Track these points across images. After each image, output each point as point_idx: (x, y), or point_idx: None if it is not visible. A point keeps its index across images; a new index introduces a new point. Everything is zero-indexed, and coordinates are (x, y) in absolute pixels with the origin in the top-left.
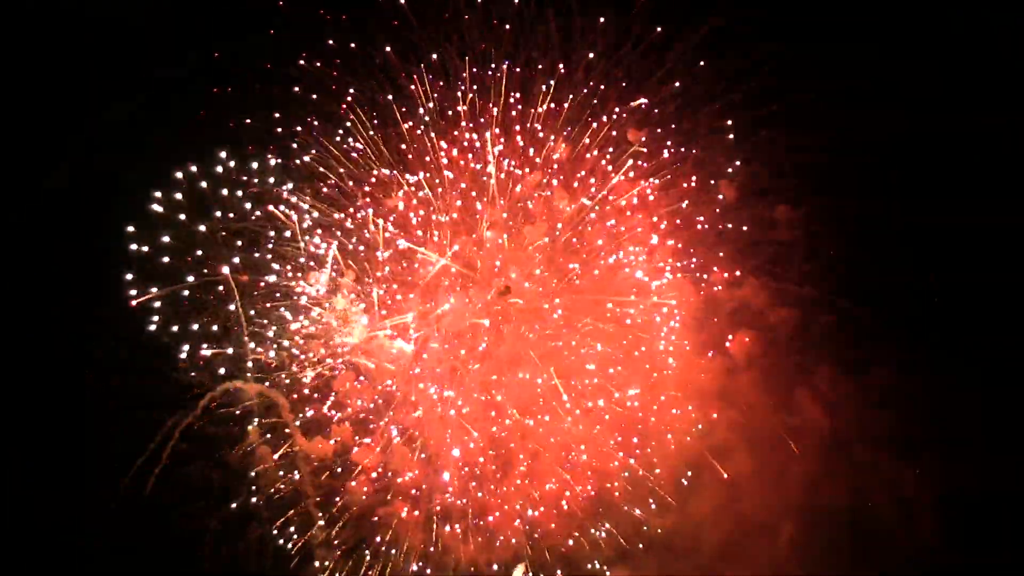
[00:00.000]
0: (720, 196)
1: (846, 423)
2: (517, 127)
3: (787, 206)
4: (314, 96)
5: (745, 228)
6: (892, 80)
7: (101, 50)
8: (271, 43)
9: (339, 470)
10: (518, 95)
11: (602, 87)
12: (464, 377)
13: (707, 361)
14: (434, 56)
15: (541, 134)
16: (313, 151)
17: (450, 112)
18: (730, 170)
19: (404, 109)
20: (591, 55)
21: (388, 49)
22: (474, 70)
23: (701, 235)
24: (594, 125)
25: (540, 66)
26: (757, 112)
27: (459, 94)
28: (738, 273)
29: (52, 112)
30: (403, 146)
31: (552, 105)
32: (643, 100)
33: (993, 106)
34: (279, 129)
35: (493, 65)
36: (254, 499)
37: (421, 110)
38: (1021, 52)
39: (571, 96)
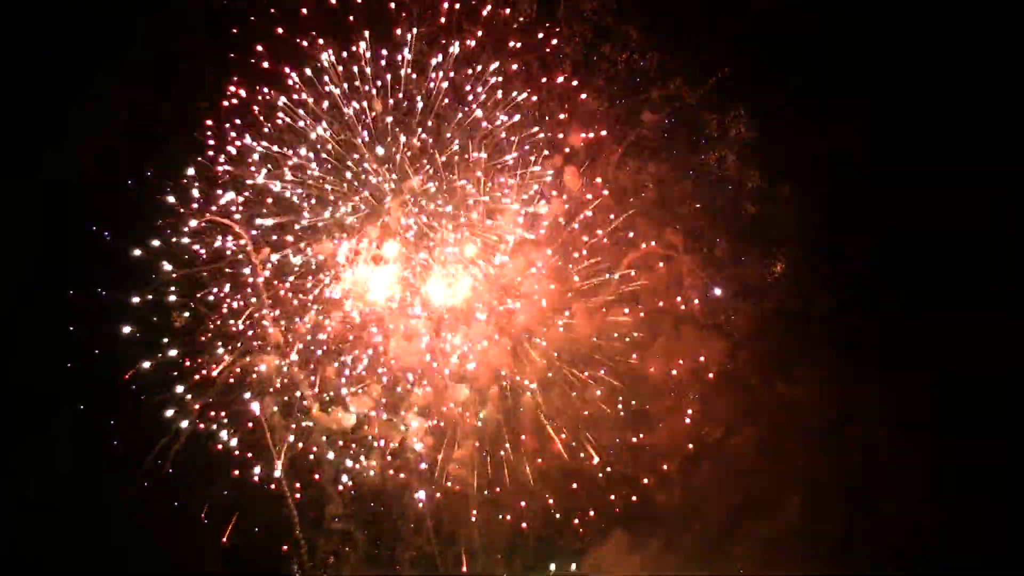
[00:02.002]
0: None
1: (846, 401)
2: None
3: (791, 186)
4: None
5: (748, 208)
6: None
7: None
8: None
9: (355, 445)
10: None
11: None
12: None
13: (709, 337)
14: None
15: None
16: None
17: None
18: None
19: None
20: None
21: None
22: None
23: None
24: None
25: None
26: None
27: None
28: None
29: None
30: None
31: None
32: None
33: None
34: None
35: None
36: (269, 474)
37: None
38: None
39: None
